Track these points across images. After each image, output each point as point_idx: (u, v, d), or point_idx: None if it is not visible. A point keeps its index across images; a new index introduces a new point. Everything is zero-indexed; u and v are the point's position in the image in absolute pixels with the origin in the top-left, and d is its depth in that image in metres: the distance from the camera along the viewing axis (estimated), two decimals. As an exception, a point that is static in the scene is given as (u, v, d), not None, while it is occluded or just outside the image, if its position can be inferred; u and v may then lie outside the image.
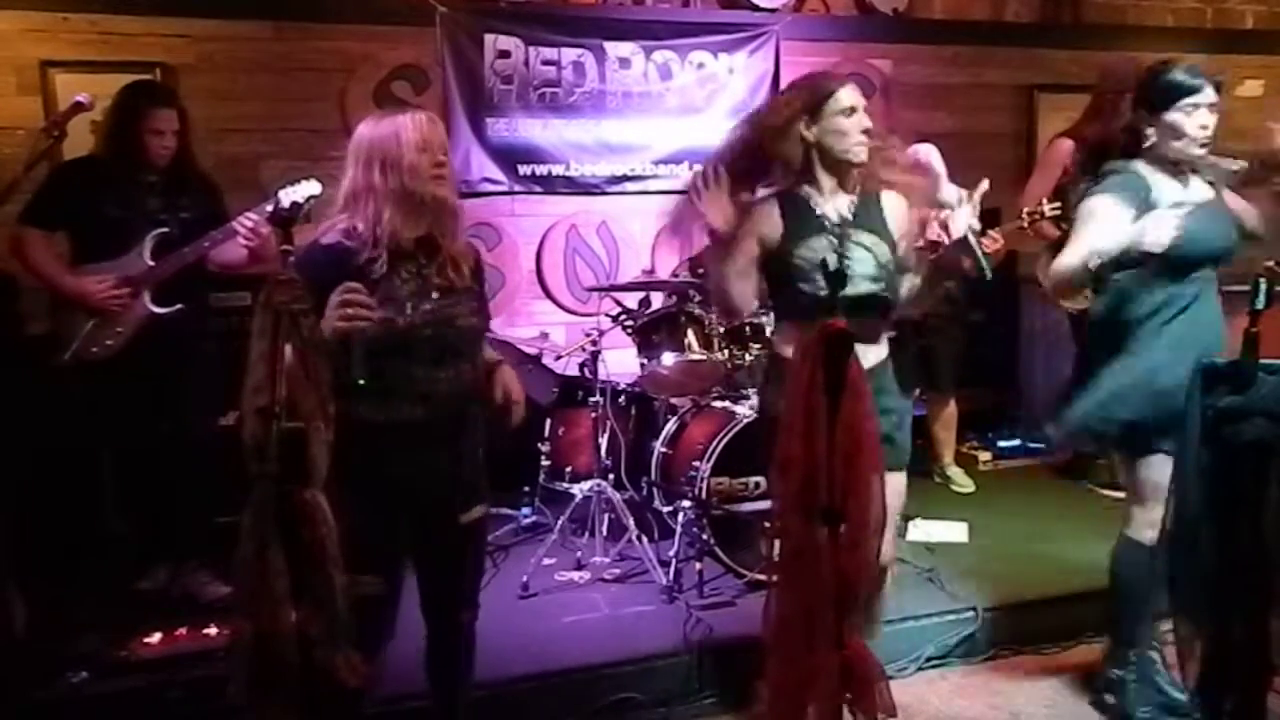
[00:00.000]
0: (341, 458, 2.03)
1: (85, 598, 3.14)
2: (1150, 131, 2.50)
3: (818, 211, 2.36)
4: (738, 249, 2.36)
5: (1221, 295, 2.83)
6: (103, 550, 3.29)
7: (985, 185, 2.31)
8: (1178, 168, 2.53)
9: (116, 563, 3.28)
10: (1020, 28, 5.40)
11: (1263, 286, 1.97)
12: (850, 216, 2.37)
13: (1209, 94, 2.44)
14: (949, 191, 2.31)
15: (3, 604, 2.77)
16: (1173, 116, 2.46)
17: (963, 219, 2.25)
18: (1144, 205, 2.44)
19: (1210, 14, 5.74)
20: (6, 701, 2.60)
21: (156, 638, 2.82)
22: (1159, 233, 2.26)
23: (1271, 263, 2.50)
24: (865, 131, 2.31)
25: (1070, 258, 2.46)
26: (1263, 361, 1.95)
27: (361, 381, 1.91)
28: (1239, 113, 5.77)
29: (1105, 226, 2.41)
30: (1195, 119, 2.44)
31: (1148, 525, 2.47)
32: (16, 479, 3.09)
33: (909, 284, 2.42)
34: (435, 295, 2.08)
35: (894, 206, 2.42)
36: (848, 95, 2.33)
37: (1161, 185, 2.50)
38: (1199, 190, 2.55)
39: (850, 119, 2.31)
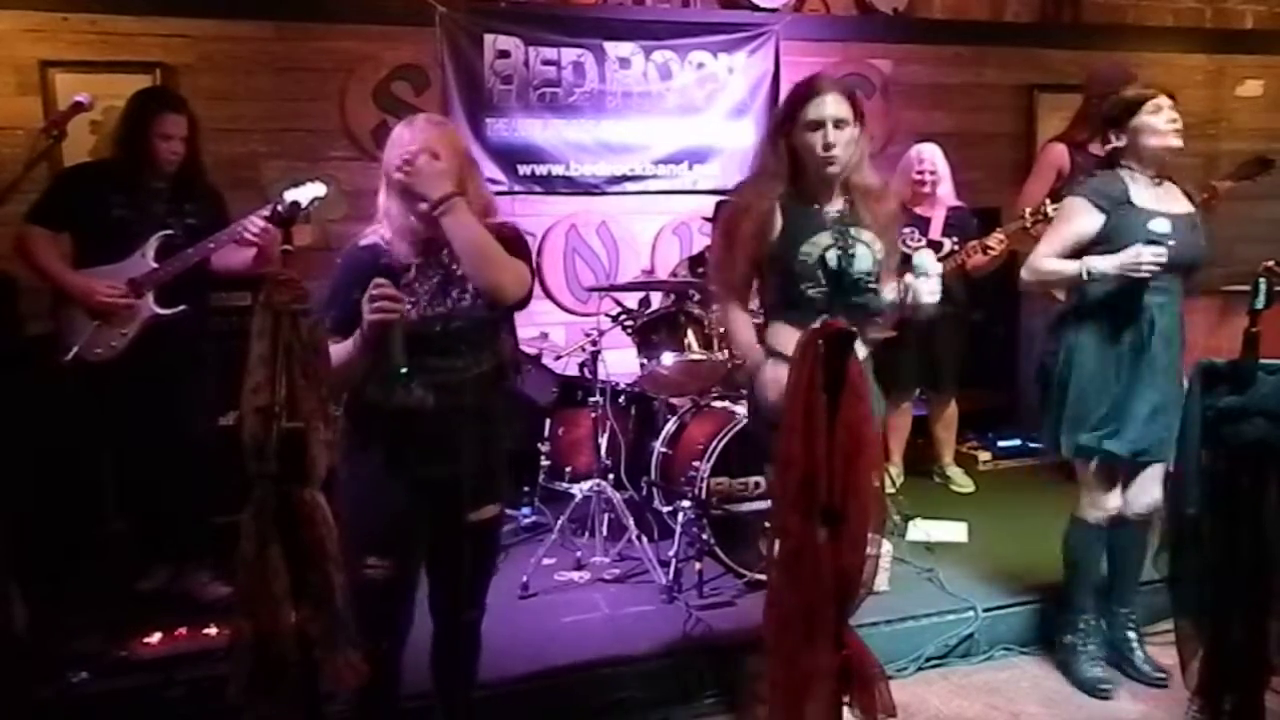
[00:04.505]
0: (362, 444, 2.09)
1: (85, 598, 3.13)
2: (1123, 143, 2.74)
3: (817, 208, 2.37)
4: (735, 255, 2.38)
5: (1221, 295, 2.87)
6: (103, 550, 3.29)
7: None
8: (1156, 172, 2.74)
9: (116, 563, 3.27)
10: (1020, 28, 5.40)
11: (1263, 286, 1.98)
12: (847, 213, 2.38)
13: (1166, 99, 2.71)
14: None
15: (3, 604, 2.77)
16: (1140, 120, 2.70)
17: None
18: (1119, 205, 2.70)
19: (1210, 14, 5.73)
20: (6, 701, 2.60)
21: (156, 638, 2.82)
22: (1150, 262, 2.57)
23: (1271, 263, 2.51)
24: (828, 147, 2.28)
25: (1057, 263, 2.74)
26: (1263, 361, 1.95)
27: (404, 370, 1.96)
28: (1239, 113, 5.81)
29: (1074, 226, 2.74)
30: (1162, 116, 2.69)
31: (1090, 505, 2.86)
32: (17, 479, 3.09)
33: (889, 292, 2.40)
34: (455, 290, 2.12)
35: (880, 216, 2.39)
36: (815, 108, 2.29)
37: (1139, 183, 2.73)
38: (1173, 196, 2.76)
39: (814, 133, 2.29)
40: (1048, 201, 3.64)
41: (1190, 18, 5.69)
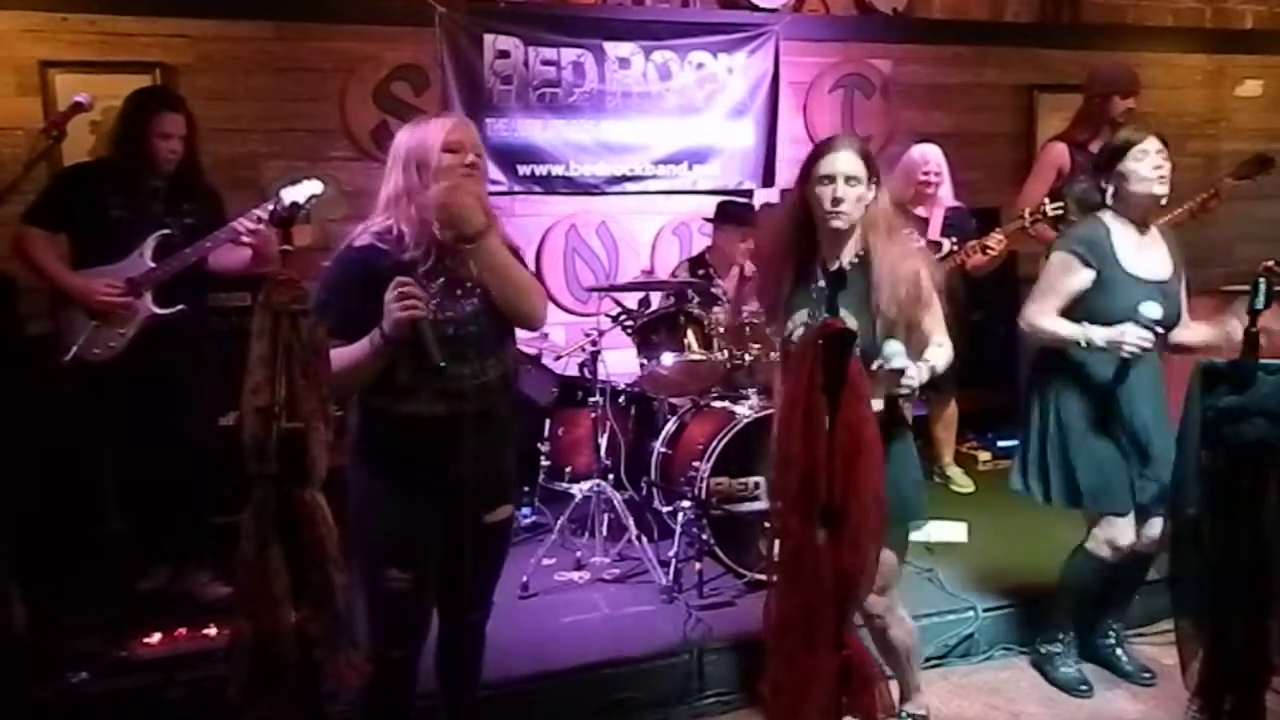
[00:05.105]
0: (375, 451, 2.10)
1: (85, 598, 3.13)
2: (1109, 186, 2.77)
3: (810, 277, 2.41)
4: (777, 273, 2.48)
5: (1221, 295, 2.87)
6: (103, 550, 3.29)
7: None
8: (1140, 218, 2.77)
9: (116, 563, 3.28)
10: (1020, 28, 5.41)
11: (1262, 286, 1.98)
12: (848, 272, 2.29)
13: (1155, 142, 2.71)
14: (890, 347, 2.14)
15: (3, 604, 2.77)
16: (1127, 166, 2.71)
17: (897, 380, 2.15)
18: (1106, 261, 2.71)
19: (1210, 14, 5.74)
20: (7, 701, 2.60)
21: (156, 638, 2.82)
22: (1134, 345, 2.57)
23: (1271, 263, 2.51)
24: (836, 201, 2.30)
25: (1056, 324, 2.74)
26: (1263, 361, 1.95)
27: (442, 364, 1.95)
28: (1239, 113, 5.82)
29: (1068, 284, 2.74)
30: (1147, 162, 2.69)
31: (1104, 544, 2.84)
32: (17, 479, 3.09)
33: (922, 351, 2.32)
34: (461, 294, 2.09)
35: (889, 271, 2.31)
36: (827, 164, 2.32)
37: (1123, 235, 2.75)
38: (1155, 242, 2.81)
39: (824, 188, 2.32)
40: (1047, 201, 3.64)
41: (1190, 18, 5.69)
